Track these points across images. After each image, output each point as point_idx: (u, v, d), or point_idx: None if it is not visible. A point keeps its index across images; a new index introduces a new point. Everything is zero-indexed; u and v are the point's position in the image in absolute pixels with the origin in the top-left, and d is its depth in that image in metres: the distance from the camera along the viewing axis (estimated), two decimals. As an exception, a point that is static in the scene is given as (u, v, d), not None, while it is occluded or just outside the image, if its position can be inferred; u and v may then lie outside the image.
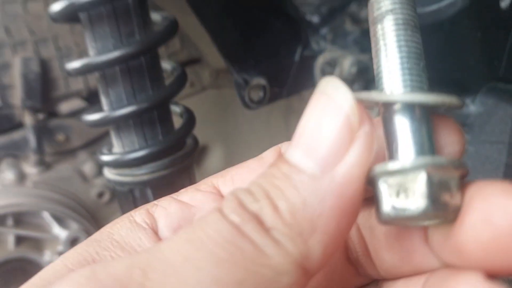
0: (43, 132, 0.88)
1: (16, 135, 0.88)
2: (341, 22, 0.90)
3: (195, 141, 0.60)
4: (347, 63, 0.83)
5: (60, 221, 0.84)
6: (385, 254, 0.26)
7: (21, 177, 0.85)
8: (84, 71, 0.50)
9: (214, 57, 1.02)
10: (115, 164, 0.55)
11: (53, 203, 0.83)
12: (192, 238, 0.20)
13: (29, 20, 0.84)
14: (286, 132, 1.22)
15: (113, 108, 0.53)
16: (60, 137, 0.91)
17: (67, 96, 0.91)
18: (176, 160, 0.56)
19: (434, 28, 0.69)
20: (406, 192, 0.22)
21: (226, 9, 0.68)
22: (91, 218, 0.89)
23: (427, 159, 0.22)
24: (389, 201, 0.22)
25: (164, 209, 0.26)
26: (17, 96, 0.85)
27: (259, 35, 0.72)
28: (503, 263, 0.20)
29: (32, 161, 0.86)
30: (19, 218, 0.82)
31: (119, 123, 0.53)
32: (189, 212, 0.26)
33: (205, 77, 1.12)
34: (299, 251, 0.20)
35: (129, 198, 0.57)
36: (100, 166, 0.88)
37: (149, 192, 0.57)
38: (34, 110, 0.86)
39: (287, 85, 0.76)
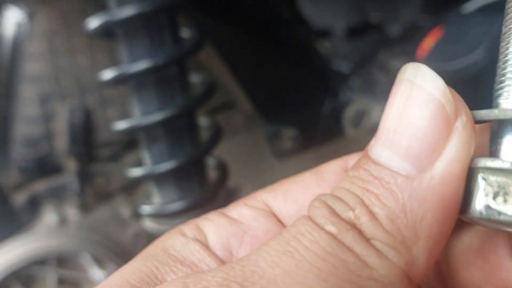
0: (85, 176, 0.94)
1: (60, 179, 0.93)
2: (370, 72, 0.93)
3: (229, 194, 0.63)
4: (376, 112, 0.85)
5: (99, 261, 0.88)
6: (465, 271, 0.23)
7: (64, 219, 0.90)
8: (130, 131, 0.55)
9: (246, 102, 1.07)
10: (156, 215, 0.59)
11: (93, 244, 0.87)
12: (288, 250, 0.19)
13: (76, 72, 0.91)
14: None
15: (154, 163, 0.57)
16: (100, 181, 0.96)
17: (108, 143, 0.96)
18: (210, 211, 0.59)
19: (459, 84, 0.71)
20: (506, 196, 0.19)
21: (259, 65, 0.73)
22: (127, 258, 0.93)
23: None
24: (484, 200, 0.20)
25: (214, 224, 0.25)
26: (62, 142, 0.91)
27: (289, 88, 0.76)
28: None
29: (74, 204, 0.91)
30: (61, 259, 0.86)
31: (160, 177, 0.57)
32: (239, 228, 0.25)
33: (238, 121, 1.16)
34: (404, 261, 0.19)
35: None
36: (136, 209, 0.93)
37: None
38: (77, 156, 0.92)
39: (317, 135, 0.79)
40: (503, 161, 0.20)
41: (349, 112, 0.81)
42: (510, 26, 0.22)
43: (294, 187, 0.26)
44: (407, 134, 0.19)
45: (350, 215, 0.19)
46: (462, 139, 0.19)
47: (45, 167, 0.92)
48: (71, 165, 0.91)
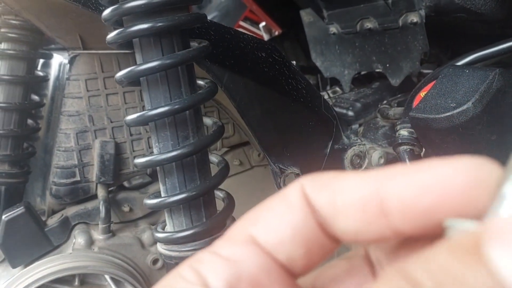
0: (111, 203, 1.04)
1: (89, 205, 1.03)
2: (372, 118, 1.01)
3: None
4: (376, 155, 0.92)
5: (118, 283, 0.96)
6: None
7: (90, 242, 0.99)
8: (148, 166, 0.64)
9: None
10: (165, 241, 0.67)
11: (114, 267, 0.96)
12: None
13: (108, 110, 1.02)
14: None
15: (168, 194, 0.66)
16: (125, 208, 1.06)
17: (134, 173, 1.06)
18: (214, 237, 0.67)
19: (449, 131, 0.77)
20: None
21: (267, 112, 0.82)
22: (145, 282, 1.01)
23: None
24: None
25: (210, 266, 0.25)
26: (93, 172, 1.01)
27: (295, 132, 0.84)
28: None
29: (100, 229, 1.00)
30: (84, 280, 0.95)
31: (172, 208, 0.66)
32: (235, 267, 0.24)
33: (253, 157, 1.25)
34: None
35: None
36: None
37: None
38: (106, 185, 1.02)
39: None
40: None
41: (350, 154, 0.88)
42: None
43: (269, 216, 0.25)
44: None
45: None
46: None
47: (77, 194, 1.03)
48: (100, 193, 1.01)
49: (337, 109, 1.02)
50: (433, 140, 0.82)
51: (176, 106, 0.61)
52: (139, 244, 1.03)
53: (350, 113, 1.02)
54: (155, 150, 0.65)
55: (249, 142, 1.26)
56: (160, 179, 0.66)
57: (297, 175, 0.84)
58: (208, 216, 0.67)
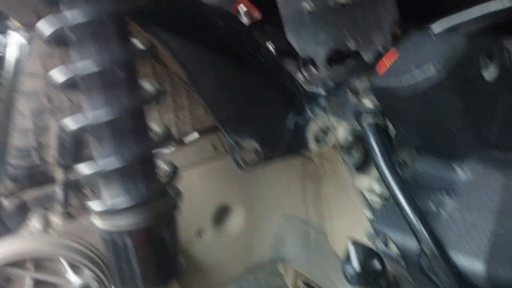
0: (71, 187, 0.99)
1: (48, 189, 0.99)
2: (343, 93, 0.96)
3: (178, 196, 0.66)
4: (343, 130, 0.87)
5: (76, 268, 0.92)
6: None
7: (46, 226, 0.95)
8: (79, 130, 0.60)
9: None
10: (98, 213, 0.62)
11: (71, 251, 0.91)
12: None
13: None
14: (302, 194, 1.25)
15: (101, 159, 0.61)
16: (86, 191, 1.02)
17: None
18: (155, 213, 0.62)
19: (413, 100, 0.72)
20: None
21: (221, 82, 0.77)
22: (105, 268, 0.96)
23: None
24: None
25: None
26: (52, 155, 0.97)
27: (252, 102, 0.79)
28: None
29: (58, 213, 0.96)
30: (39, 263, 0.90)
31: (106, 175, 0.61)
32: None
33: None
34: None
35: (111, 247, 0.63)
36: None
37: (129, 243, 0.63)
38: (65, 168, 0.98)
39: (279, 148, 0.81)
40: None
41: (313, 128, 0.83)
42: None
43: None
44: None
45: None
46: None
47: (35, 177, 0.98)
48: (59, 176, 0.97)
49: (309, 88, 0.98)
50: (397, 111, 0.77)
51: (107, 64, 0.57)
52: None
53: (322, 91, 0.97)
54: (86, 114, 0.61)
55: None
56: (92, 145, 0.62)
57: (256, 152, 0.79)
58: (148, 187, 0.62)
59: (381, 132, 0.79)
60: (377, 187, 0.92)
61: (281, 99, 0.82)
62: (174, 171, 0.67)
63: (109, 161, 0.60)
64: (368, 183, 0.95)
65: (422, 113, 0.74)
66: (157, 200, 0.64)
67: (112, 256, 0.65)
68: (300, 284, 1.46)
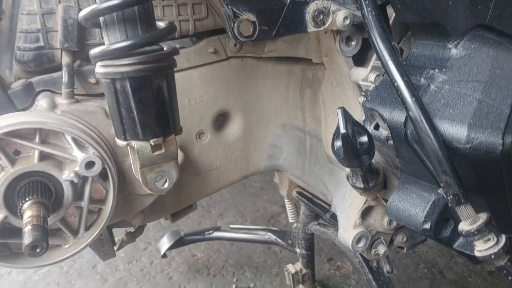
0: (77, 75, 1.03)
1: (55, 74, 1.03)
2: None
3: (175, 49, 0.69)
4: (341, 15, 0.88)
5: (80, 146, 0.96)
6: None
7: (52, 106, 0.99)
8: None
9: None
10: (99, 55, 0.65)
11: (75, 128, 0.95)
12: None
13: (74, -25, 1.00)
14: (301, 103, 1.28)
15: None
16: (91, 80, 1.05)
17: (101, 45, 1.04)
18: (152, 57, 0.65)
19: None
20: None
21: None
22: (109, 151, 1.01)
23: None
24: None
25: None
26: (57, 39, 1.00)
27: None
28: None
29: (64, 94, 0.99)
30: (45, 139, 0.94)
31: (106, 19, 0.64)
32: None
33: (230, 46, 1.22)
34: None
35: (111, 89, 0.66)
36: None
37: (127, 87, 0.67)
38: (70, 53, 1.01)
39: (276, 26, 0.83)
40: None
41: (312, 8, 0.85)
42: None
43: None
44: None
45: None
46: None
47: (41, 61, 1.02)
48: (64, 60, 1.00)
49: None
50: None
51: None
52: (103, 113, 1.03)
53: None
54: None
55: (225, 30, 1.23)
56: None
57: (253, 23, 0.81)
58: (144, 31, 0.65)
59: (378, 8, 0.80)
60: (373, 76, 0.94)
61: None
62: (171, 24, 0.69)
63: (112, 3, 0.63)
64: (364, 74, 0.97)
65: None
66: (155, 50, 0.67)
67: (114, 103, 0.68)
68: (294, 193, 1.51)
